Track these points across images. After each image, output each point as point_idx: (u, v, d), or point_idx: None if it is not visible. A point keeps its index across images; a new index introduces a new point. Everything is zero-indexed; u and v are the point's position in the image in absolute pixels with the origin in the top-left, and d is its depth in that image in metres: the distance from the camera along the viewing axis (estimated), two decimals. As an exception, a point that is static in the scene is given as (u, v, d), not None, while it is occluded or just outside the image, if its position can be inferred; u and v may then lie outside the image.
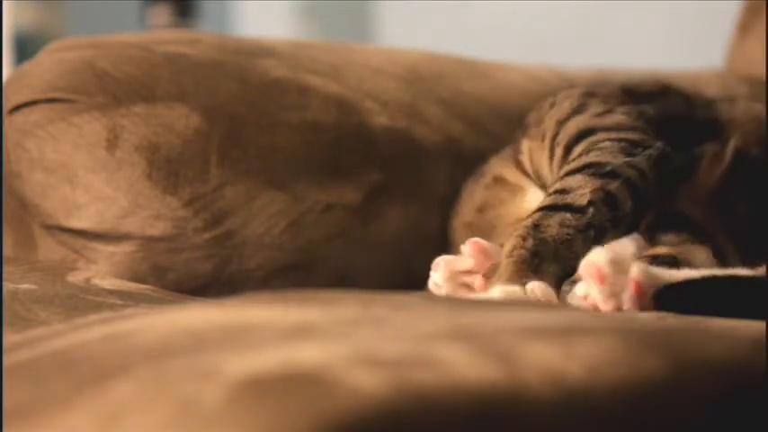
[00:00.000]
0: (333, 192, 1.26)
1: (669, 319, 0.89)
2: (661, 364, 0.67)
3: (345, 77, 1.33)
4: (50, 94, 1.21)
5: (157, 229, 1.19)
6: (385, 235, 1.28)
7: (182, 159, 1.21)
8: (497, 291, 0.99)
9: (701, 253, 1.07)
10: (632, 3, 2.44)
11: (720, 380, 0.69)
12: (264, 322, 0.73)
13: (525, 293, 0.98)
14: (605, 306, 0.93)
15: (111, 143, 1.19)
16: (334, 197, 1.26)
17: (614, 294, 0.94)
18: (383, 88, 1.34)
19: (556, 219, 1.03)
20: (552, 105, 1.20)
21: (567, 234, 1.02)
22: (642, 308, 0.93)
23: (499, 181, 1.21)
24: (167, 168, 1.20)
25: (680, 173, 1.11)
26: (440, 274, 1.07)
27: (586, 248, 1.00)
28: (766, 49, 1.56)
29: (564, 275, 1.00)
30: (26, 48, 2.70)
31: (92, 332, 0.78)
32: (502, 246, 1.04)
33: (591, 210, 1.03)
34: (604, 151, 1.09)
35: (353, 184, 1.27)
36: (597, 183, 1.05)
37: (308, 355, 0.63)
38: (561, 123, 1.16)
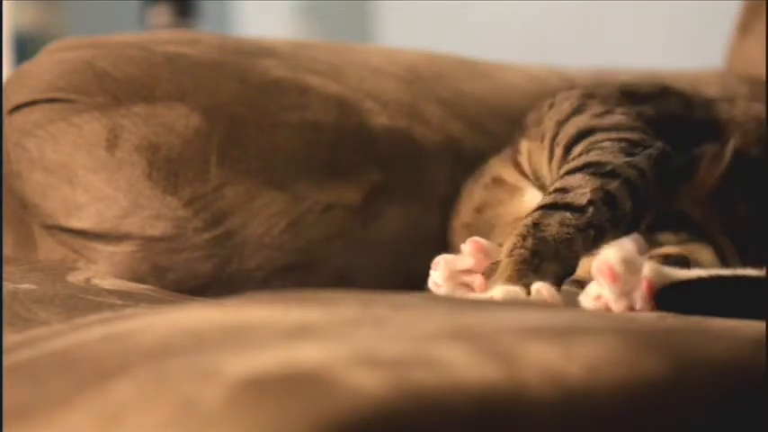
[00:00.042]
0: (333, 192, 1.26)
1: (669, 319, 0.89)
2: (661, 364, 0.67)
3: (345, 77, 1.33)
4: (50, 94, 1.21)
5: (157, 229, 1.19)
6: (385, 235, 1.28)
7: (182, 159, 1.21)
8: (498, 290, 0.98)
9: (706, 253, 1.07)
10: (632, 3, 2.44)
11: (720, 380, 0.69)
12: (264, 322, 0.73)
13: (526, 293, 0.98)
14: (617, 306, 0.93)
15: (111, 143, 1.19)
16: (334, 197, 1.26)
17: (625, 294, 0.93)
18: (383, 88, 1.34)
19: (556, 218, 1.03)
20: (551, 106, 1.20)
21: (567, 233, 1.02)
22: (653, 308, 0.93)
23: (497, 181, 1.21)
24: (167, 168, 1.20)
25: (680, 173, 1.11)
26: (440, 273, 1.07)
27: (586, 248, 1.00)
28: (766, 49, 1.56)
29: (564, 275, 1.00)
30: (26, 48, 2.69)
31: (92, 332, 0.78)
32: (501, 245, 1.04)
33: (591, 209, 1.03)
34: (604, 151, 1.09)
35: (353, 184, 1.27)
36: (597, 182, 1.05)
37: (308, 355, 0.63)
38: (561, 124, 1.16)
